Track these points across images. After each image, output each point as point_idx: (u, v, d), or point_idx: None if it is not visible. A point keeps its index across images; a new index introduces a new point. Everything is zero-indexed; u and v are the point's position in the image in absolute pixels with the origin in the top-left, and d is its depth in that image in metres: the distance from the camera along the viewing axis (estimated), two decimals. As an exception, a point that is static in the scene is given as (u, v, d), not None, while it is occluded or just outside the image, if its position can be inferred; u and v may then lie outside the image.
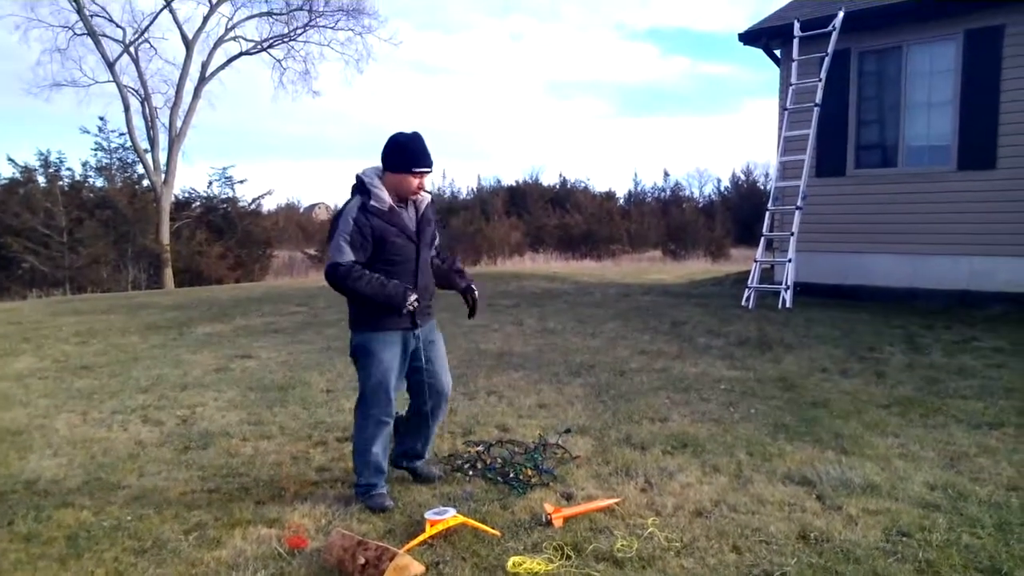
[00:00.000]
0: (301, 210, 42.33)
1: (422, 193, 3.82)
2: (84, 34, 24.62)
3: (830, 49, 9.89)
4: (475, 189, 35.26)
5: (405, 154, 3.71)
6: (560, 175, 38.98)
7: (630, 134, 77.19)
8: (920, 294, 9.72)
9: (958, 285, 9.52)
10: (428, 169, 3.73)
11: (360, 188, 3.74)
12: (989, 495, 3.71)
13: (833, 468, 4.08)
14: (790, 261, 9.76)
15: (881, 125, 10.40)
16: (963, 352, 6.91)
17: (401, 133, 3.76)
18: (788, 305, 9.47)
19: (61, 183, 22.85)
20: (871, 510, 3.56)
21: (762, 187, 30.28)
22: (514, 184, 34.98)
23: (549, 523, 3.42)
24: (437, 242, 4.02)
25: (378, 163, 3.77)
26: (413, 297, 3.65)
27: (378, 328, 3.75)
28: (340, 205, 3.84)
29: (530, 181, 35.09)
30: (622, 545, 3.20)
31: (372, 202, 3.68)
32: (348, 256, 3.63)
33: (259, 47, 26.92)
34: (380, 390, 3.76)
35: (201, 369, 7.00)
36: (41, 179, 22.78)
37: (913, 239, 9.89)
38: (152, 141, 25.49)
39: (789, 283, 9.65)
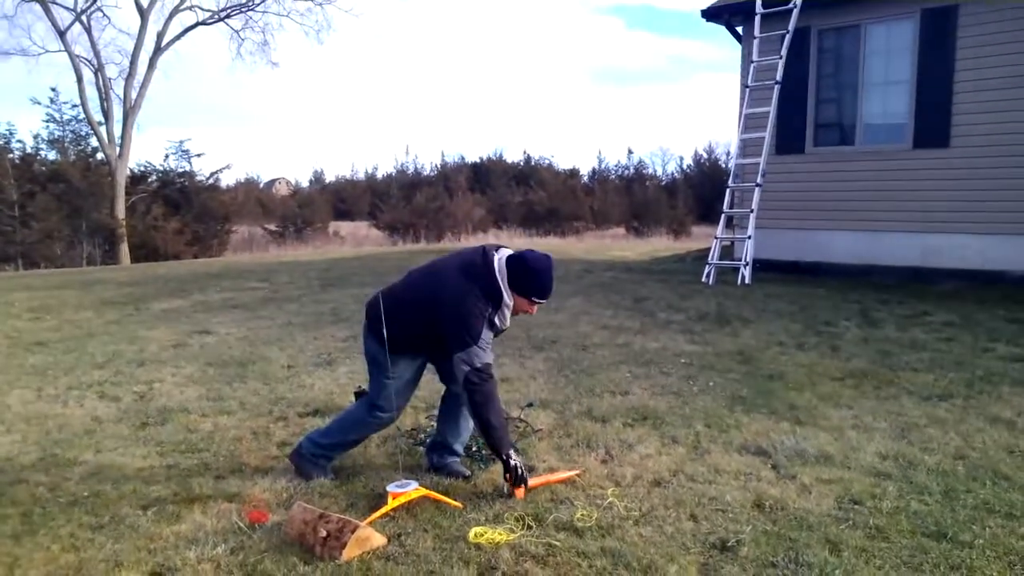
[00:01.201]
0: (261, 185, 41.77)
1: None
2: (32, 0, 23.83)
3: (791, 26, 9.97)
4: (438, 165, 35.16)
5: (534, 283, 3.51)
6: (524, 152, 39.08)
7: (594, 110, 77.40)
8: (876, 270, 9.93)
9: (912, 261, 9.74)
10: (544, 302, 3.60)
11: (494, 296, 3.47)
12: (937, 464, 3.83)
13: (788, 439, 4.17)
14: (749, 238, 9.89)
15: (839, 103, 10.54)
16: (915, 326, 7.08)
17: (537, 259, 3.54)
18: (747, 281, 9.61)
19: (11, 156, 22.28)
20: (824, 479, 3.65)
21: (724, 165, 30.59)
22: (478, 161, 34.93)
23: (511, 495, 3.45)
24: None
25: (504, 253, 3.58)
26: (517, 457, 3.50)
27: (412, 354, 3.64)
28: (463, 286, 3.46)
29: (494, 158, 35.11)
30: (582, 515, 3.24)
31: (497, 319, 3.51)
32: (491, 360, 3.46)
33: (216, 17, 26.34)
34: (394, 394, 3.67)
35: (158, 345, 6.90)
36: (-11, 151, 22.13)
37: (869, 216, 10.08)
38: (106, 113, 24.86)
39: (748, 259, 9.78)
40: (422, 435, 4.28)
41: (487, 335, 3.44)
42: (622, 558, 2.91)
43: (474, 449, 4.02)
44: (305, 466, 3.73)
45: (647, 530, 3.14)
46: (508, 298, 3.50)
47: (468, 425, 3.84)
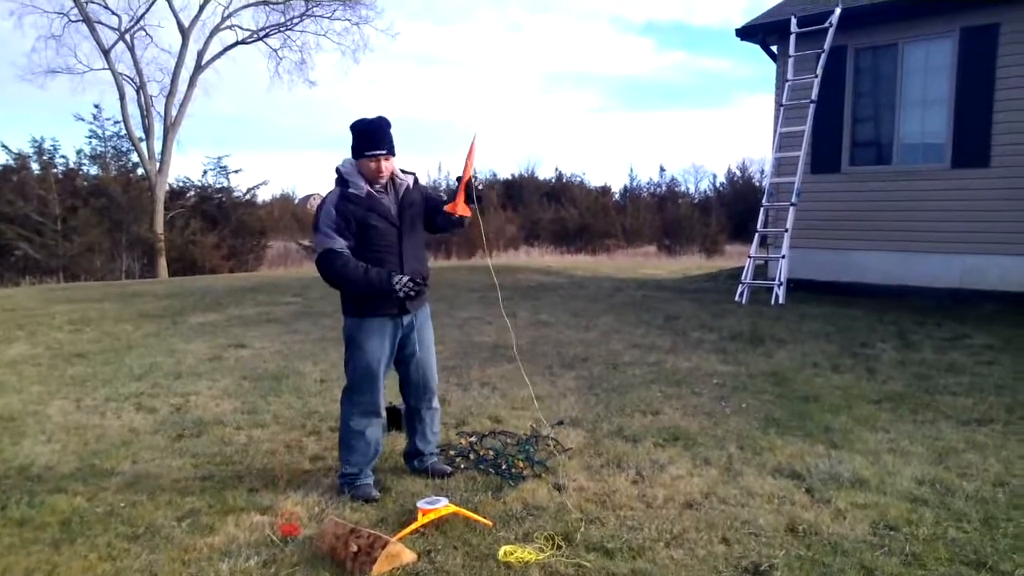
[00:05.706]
0: (296, 201, 42.22)
1: (403, 176, 3.82)
2: (79, 21, 24.48)
3: (826, 46, 9.90)
4: (471, 182, 35.20)
5: (358, 140, 3.74)
6: (556, 169, 39.05)
7: (626, 128, 77.15)
8: (913, 291, 9.76)
9: (951, 283, 9.57)
10: (379, 152, 3.69)
11: (339, 179, 3.77)
12: (976, 490, 3.75)
13: (823, 462, 4.11)
14: (784, 257, 9.80)
15: (876, 122, 10.44)
16: (954, 349, 6.95)
17: (361, 119, 3.77)
18: (781, 301, 9.51)
19: (55, 170, 22.78)
20: (859, 504, 3.59)
21: (757, 183, 30.35)
22: (510, 177, 35.01)
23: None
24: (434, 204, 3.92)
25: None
26: (399, 278, 3.65)
27: (364, 314, 3.75)
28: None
29: (526, 174, 35.12)
30: (613, 535, 3.23)
31: (351, 189, 3.70)
32: (340, 242, 3.64)
33: (255, 36, 26.81)
34: (365, 379, 3.79)
35: (195, 358, 7.00)
36: (35, 166, 22.70)
37: (907, 236, 9.94)
38: (147, 130, 25.38)
39: (782, 279, 9.69)
40: (452, 452, 4.29)
41: (328, 218, 3.64)
42: (652, 580, 2.89)
43: (503, 467, 4.02)
44: (353, 493, 3.73)
45: (678, 552, 3.12)
46: (347, 168, 3.74)
47: (434, 430, 4.07)
